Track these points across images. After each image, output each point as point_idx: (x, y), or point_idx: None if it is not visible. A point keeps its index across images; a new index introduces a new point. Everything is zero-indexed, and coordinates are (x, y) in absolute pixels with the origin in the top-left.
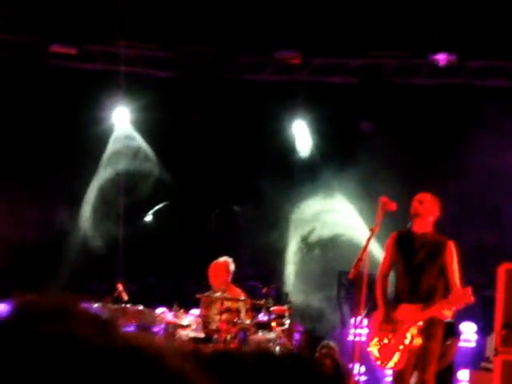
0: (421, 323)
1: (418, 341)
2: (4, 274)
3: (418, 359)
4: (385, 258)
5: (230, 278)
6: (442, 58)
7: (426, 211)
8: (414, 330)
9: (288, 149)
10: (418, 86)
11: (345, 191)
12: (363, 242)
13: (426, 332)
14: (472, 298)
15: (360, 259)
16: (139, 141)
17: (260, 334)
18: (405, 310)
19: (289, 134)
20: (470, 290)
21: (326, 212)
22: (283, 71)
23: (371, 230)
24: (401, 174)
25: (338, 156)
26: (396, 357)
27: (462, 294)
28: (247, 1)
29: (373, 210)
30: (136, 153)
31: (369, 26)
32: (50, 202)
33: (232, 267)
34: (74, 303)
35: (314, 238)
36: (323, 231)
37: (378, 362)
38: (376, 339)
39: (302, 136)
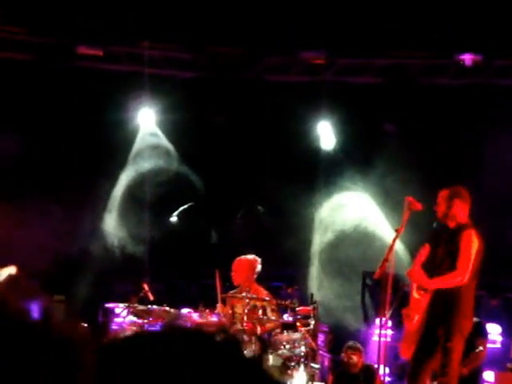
0: (415, 295)
1: (415, 294)
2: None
3: (439, 360)
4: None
5: (254, 277)
6: (467, 57)
7: (444, 208)
8: (416, 295)
9: (312, 149)
10: (443, 86)
11: (369, 192)
12: (388, 241)
13: (445, 334)
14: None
15: (385, 260)
16: (164, 141)
17: (285, 334)
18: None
19: (313, 134)
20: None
21: (350, 212)
22: (308, 72)
23: (396, 230)
24: (426, 174)
25: (363, 157)
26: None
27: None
28: (272, 1)
29: (399, 211)
30: (161, 153)
31: (394, 25)
32: (75, 203)
33: (258, 266)
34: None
35: (338, 237)
36: (348, 231)
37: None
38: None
39: (326, 137)
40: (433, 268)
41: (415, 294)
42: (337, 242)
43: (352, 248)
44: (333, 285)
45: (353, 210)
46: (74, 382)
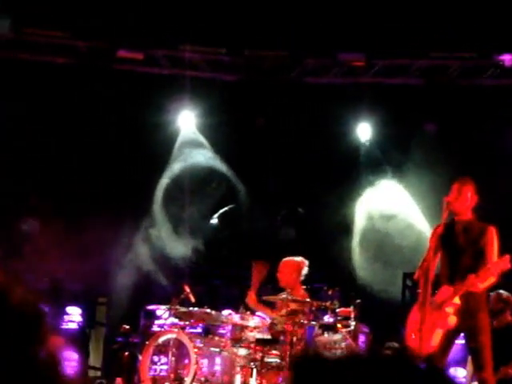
0: (457, 301)
1: (453, 319)
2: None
3: (472, 357)
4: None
5: (299, 279)
6: (507, 58)
7: (469, 201)
8: (450, 309)
9: (352, 151)
10: (483, 87)
11: (408, 192)
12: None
13: (474, 333)
14: (509, 265)
15: (425, 260)
16: (204, 144)
17: (326, 335)
18: (444, 291)
19: (353, 136)
20: (508, 257)
21: (390, 214)
22: (347, 73)
23: (435, 230)
24: (466, 174)
25: (403, 158)
26: (433, 339)
27: (500, 261)
28: (311, 4)
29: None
30: (201, 156)
31: (433, 26)
32: (115, 206)
33: (305, 269)
34: None
35: (378, 235)
36: (387, 232)
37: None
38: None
39: (366, 138)
40: (454, 265)
41: (457, 300)
42: (378, 241)
43: (394, 246)
44: (373, 285)
45: (394, 212)
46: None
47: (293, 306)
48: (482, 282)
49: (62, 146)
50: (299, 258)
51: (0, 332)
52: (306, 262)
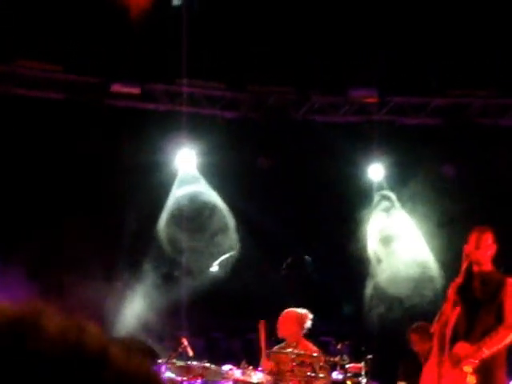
0: (476, 361)
1: (472, 380)
2: None
3: None
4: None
5: (301, 333)
6: None
7: (491, 251)
8: (468, 368)
9: (363, 193)
10: (505, 128)
11: (424, 236)
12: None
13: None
14: None
15: (442, 313)
16: (204, 185)
17: None
18: (460, 347)
19: (365, 178)
20: None
21: (402, 260)
22: (358, 111)
23: (455, 281)
24: (487, 220)
25: (419, 201)
26: None
27: None
28: (319, 36)
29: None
30: (200, 198)
31: (451, 63)
32: (109, 253)
33: (307, 322)
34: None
35: (393, 287)
36: (399, 281)
37: None
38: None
39: (379, 181)
40: (471, 320)
41: (471, 379)
42: (392, 289)
43: (411, 295)
44: (385, 338)
45: (407, 258)
46: None
47: (299, 359)
48: (493, 345)
49: (52, 184)
50: (303, 311)
51: None
52: (310, 316)
